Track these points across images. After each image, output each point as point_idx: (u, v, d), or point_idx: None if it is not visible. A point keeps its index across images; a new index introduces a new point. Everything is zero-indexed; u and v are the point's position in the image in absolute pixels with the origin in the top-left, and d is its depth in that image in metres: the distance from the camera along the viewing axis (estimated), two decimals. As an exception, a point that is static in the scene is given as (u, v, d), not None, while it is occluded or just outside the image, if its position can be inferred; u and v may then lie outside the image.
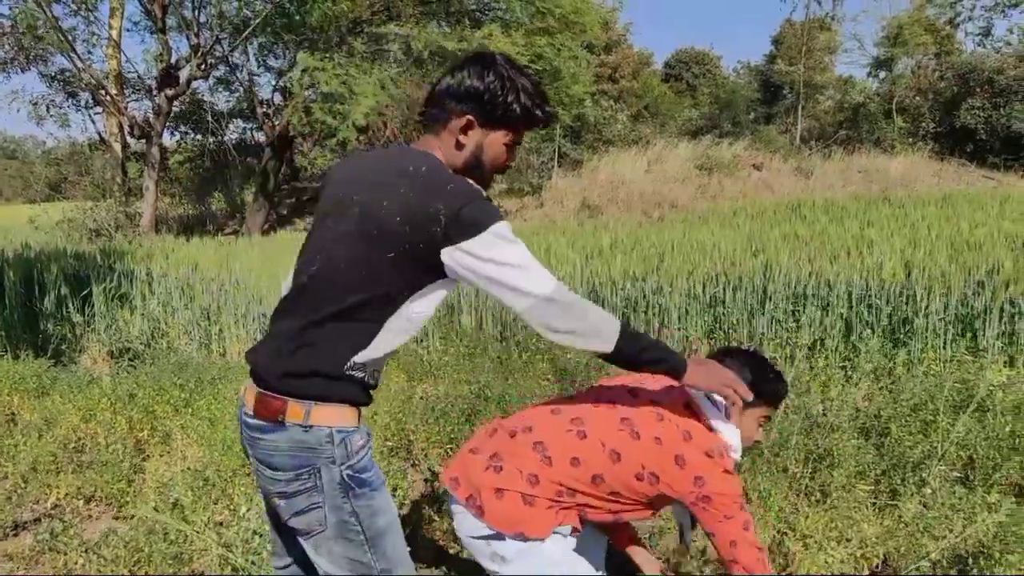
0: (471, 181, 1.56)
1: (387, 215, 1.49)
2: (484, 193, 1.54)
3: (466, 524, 1.84)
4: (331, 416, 1.52)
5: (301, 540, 1.61)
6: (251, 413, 1.56)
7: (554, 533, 1.80)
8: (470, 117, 1.57)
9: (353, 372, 1.54)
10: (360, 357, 1.53)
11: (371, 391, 1.62)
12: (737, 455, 1.90)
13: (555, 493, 1.80)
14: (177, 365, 4.94)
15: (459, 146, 1.59)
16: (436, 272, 1.53)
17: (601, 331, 1.58)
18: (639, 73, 27.70)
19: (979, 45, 27.88)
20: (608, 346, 1.58)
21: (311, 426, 1.51)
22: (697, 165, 19.74)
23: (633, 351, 1.63)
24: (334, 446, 1.52)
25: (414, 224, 1.47)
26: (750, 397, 1.78)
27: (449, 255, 1.48)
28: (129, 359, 5.73)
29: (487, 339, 5.80)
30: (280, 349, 1.56)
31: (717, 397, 1.94)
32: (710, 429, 1.89)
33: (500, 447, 1.87)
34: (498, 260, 1.48)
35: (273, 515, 1.75)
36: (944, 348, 4.73)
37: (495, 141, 1.61)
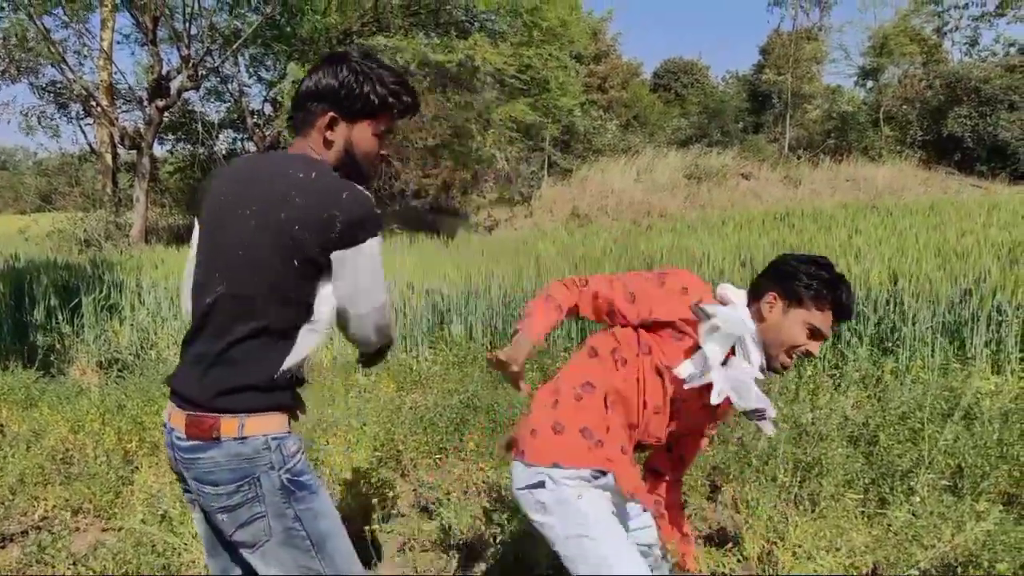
0: (362, 188, 1.61)
1: (287, 226, 1.53)
2: (373, 201, 1.61)
3: (515, 476, 1.88)
4: (264, 424, 1.56)
5: (248, 555, 1.61)
6: (182, 436, 1.57)
7: (591, 482, 1.81)
8: (332, 114, 1.62)
9: (285, 378, 1.59)
10: (288, 363, 1.58)
11: (299, 389, 1.67)
12: (753, 367, 1.81)
13: (575, 399, 1.86)
14: (167, 375, 4.91)
15: (327, 144, 1.64)
16: (328, 273, 1.60)
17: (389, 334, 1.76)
18: (628, 83, 27.84)
19: (966, 55, 28.21)
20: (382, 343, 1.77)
21: (246, 437, 1.54)
22: (686, 174, 19.87)
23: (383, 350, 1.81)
24: (271, 452, 1.55)
25: (314, 230, 1.53)
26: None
27: (337, 257, 1.56)
28: (118, 370, 5.70)
29: (477, 348, 5.80)
30: (205, 371, 1.57)
31: (735, 292, 1.91)
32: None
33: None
34: (370, 268, 1.59)
35: (209, 539, 1.73)
36: (932, 356, 4.76)
37: (363, 134, 1.65)
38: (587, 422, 1.84)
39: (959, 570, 2.43)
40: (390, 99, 1.64)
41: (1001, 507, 2.65)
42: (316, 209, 1.52)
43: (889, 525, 2.70)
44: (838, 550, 2.58)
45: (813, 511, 2.89)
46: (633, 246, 8.86)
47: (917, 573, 2.40)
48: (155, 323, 6.72)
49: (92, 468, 3.60)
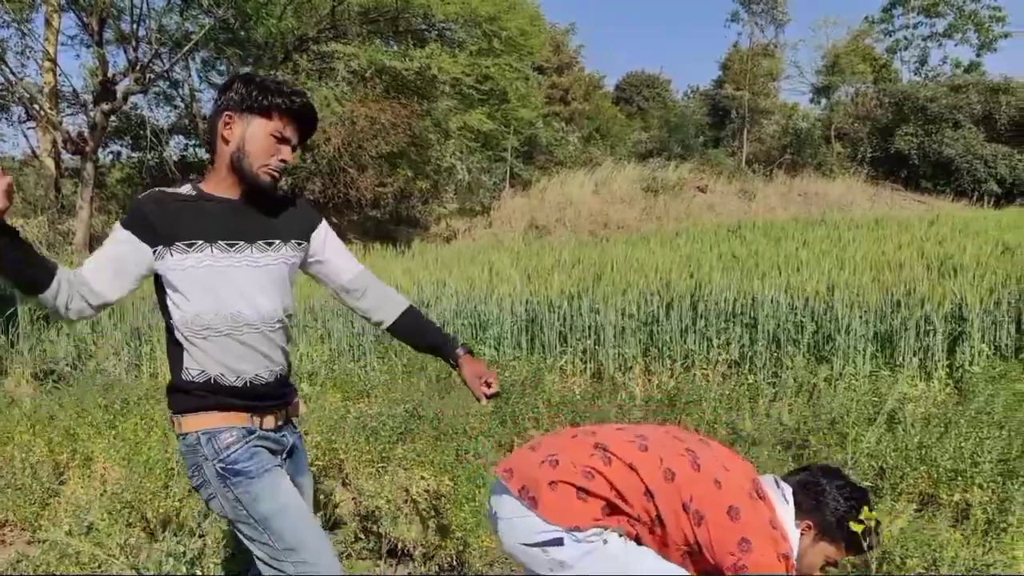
0: (170, 194, 1.78)
1: None
2: (148, 203, 1.74)
3: (519, 530, 1.76)
4: (195, 423, 1.78)
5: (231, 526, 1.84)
6: None
7: (612, 530, 1.73)
8: (227, 113, 1.77)
9: (195, 379, 1.77)
10: (189, 364, 1.77)
11: (249, 392, 1.80)
12: (793, 559, 1.73)
13: (608, 492, 1.73)
14: (103, 386, 4.81)
15: (225, 142, 1.78)
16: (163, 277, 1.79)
17: None
18: (590, 95, 28.13)
19: (915, 73, 29.17)
20: None
21: (184, 434, 1.80)
22: (643, 187, 20.13)
23: None
24: (202, 446, 1.77)
25: None
26: None
27: None
28: (54, 381, 5.56)
29: (425, 357, 5.78)
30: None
31: (788, 494, 1.82)
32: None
33: (559, 446, 1.84)
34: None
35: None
36: (864, 364, 4.90)
37: (257, 131, 1.76)
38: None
39: (872, 566, 2.51)
40: (277, 97, 1.75)
41: (917, 506, 2.75)
42: None
43: (811, 526, 2.77)
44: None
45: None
46: (587, 257, 8.94)
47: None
48: (95, 333, 6.56)
49: (19, 480, 3.50)
